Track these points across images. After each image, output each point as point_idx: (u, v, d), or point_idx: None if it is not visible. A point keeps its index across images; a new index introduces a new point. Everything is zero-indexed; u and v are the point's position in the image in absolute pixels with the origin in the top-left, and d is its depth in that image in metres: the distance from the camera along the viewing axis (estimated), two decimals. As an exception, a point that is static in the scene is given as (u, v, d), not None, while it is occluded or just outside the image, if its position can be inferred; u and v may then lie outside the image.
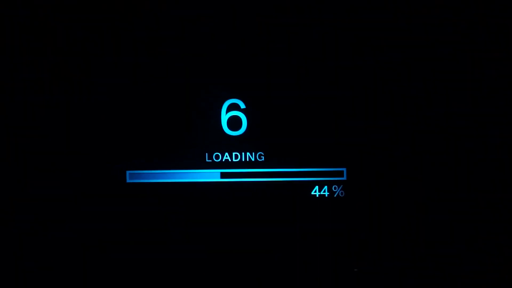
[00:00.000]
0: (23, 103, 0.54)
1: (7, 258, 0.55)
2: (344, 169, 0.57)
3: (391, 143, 0.57)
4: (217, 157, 0.57)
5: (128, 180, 0.56)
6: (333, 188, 0.57)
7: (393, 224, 0.57)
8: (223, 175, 0.57)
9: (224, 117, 0.57)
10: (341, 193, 0.57)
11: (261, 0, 0.56)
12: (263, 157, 0.57)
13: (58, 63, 0.55)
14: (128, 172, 0.56)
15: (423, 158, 0.56)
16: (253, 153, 0.57)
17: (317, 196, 0.57)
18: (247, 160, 0.57)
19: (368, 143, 0.57)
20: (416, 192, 0.57)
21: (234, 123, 0.57)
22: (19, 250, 0.55)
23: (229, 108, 0.57)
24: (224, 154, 0.57)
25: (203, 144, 0.57)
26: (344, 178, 0.57)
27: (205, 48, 0.56)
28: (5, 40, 0.54)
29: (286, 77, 0.56)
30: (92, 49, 0.55)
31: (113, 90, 0.56)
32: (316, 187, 0.57)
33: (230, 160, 0.57)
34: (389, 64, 0.56)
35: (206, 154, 0.57)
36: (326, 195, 0.57)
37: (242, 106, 0.57)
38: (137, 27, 0.55)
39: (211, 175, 0.57)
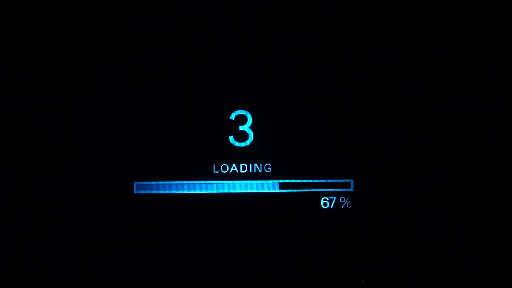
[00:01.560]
0: (23, 103, 0.54)
1: (7, 258, 0.55)
2: (351, 181, 0.57)
3: (391, 143, 0.57)
4: (224, 168, 0.57)
5: (135, 191, 0.56)
6: (340, 199, 0.57)
7: (393, 224, 0.57)
8: (282, 185, 0.57)
9: (231, 128, 0.57)
10: (348, 205, 0.57)
11: (261, 0, 0.56)
12: (270, 168, 0.57)
13: (58, 63, 0.55)
14: (135, 183, 0.56)
15: (423, 158, 0.56)
16: (261, 165, 0.57)
17: (324, 207, 0.57)
18: (255, 171, 0.57)
19: (368, 144, 0.57)
20: (416, 192, 0.57)
21: (241, 134, 0.57)
22: (19, 250, 0.55)
23: (236, 119, 0.57)
24: (232, 165, 0.57)
25: (210, 155, 0.57)
26: (351, 189, 0.57)
27: (205, 48, 0.56)
28: (5, 40, 0.54)
29: (286, 77, 0.56)
30: (92, 49, 0.55)
31: (113, 90, 0.56)
32: (323, 199, 0.57)
33: (237, 171, 0.57)
34: (389, 64, 0.56)
35: (214, 165, 0.57)
36: (333, 207, 0.57)
37: (249, 118, 0.57)
38: (137, 27, 0.55)
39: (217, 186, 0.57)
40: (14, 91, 0.54)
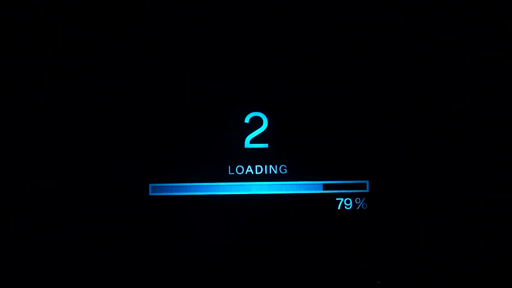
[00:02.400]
0: (23, 103, 0.54)
1: (7, 258, 0.55)
2: (367, 182, 0.57)
3: (391, 143, 0.57)
4: (239, 170, 0.57)
5: (151, 193, 0.56)
6: (355, 200, 0.57)
7: (393, 224, 0.57)
8: (325, 186, 0.57)
9: (246, 130, 0.57)
10: (364, 206, 0.57)
11: (261, 0, 0.56)
12: (286, 169, 0.57)
13: (58, 63, 0.55)
14: (150, 185, 0.56)
15: (423, 158, 0.56)
16: (276, 166, 0.57)
17: (339, 208, 0.57)
18: (270, 173, 0.57)
19: (369, 144, 0.57)
20: (416, 192, 0.57)
21: (256, 136, 0.57)
22: (19, 250, 0.55)
23: (251, 121, 0.57)
24: (247, 167, 0.57)
25: (225, 157, 0.57)
26: (367, 190, 0.57)
27: (205, 48, 0.56)
28: (5, 40, 0.54)
29: (287, 77, 0.56)
30: (92, 49, 0.55)
31: (113, 90, 0.56)
32: (340, 200, 0.57)
33: (252, 173, 0.57)
34: (389, 64, 0.56)
35: (229, 167, 0.57)
36: (349, 208, 0.57)
37: (265, 119, 0.57)
38: (137, 27, 0.55)
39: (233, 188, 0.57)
40: (14, 91, 0.54)
